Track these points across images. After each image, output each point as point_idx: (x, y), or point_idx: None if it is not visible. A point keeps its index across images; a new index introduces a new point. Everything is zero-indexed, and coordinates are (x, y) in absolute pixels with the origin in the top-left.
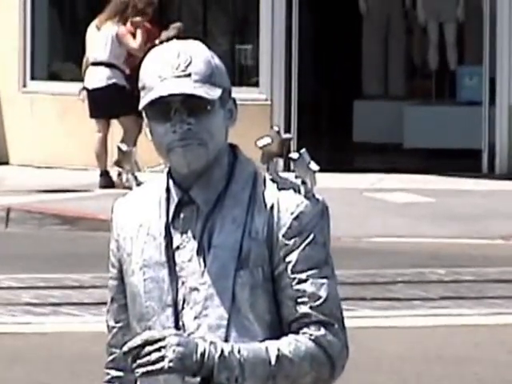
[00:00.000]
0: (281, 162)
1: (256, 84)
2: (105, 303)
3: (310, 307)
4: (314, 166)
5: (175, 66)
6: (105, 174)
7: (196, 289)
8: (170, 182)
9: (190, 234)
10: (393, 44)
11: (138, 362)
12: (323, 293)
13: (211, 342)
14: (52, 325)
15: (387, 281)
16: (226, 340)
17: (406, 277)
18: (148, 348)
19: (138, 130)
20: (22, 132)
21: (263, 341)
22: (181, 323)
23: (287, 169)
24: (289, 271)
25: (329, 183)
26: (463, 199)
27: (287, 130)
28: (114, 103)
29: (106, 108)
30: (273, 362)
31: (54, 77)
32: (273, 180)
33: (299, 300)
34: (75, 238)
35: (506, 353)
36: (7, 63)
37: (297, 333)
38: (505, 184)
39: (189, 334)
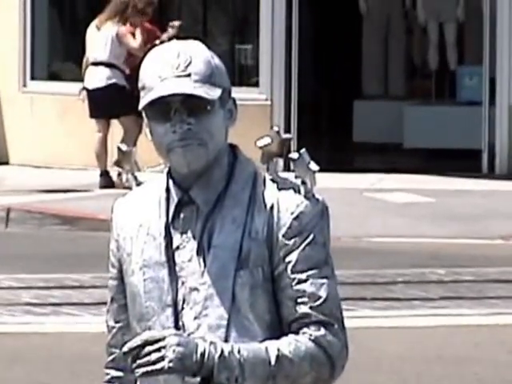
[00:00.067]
0: (281, 162)
1: (256, 84)
2: (105, 303)
3: (310, 307)
4: (313, 166)
5: (175, 66)
6: (105, 174)
7: (196, 289)
8: (170, 182)
9: (189, 234)
10: (393, 44)
11: (138, 362)
12: (323, 293)
13: (211, 342)
14: (52, 325)
15: (387, 281)
16: (226, 340)
17: (406, 277)
18: (148, 348)
19: (138, 130)
20: (22, 132)
21: (263, 341)
22: (181, 323)
23: (287, 169)
24: (289, 271)
25: (329, 183)
26: (463, 199)
27: (287, 130)
28: (113, 103)
29: (106, 108)
30: (273, 362)
31: (54, 77)
32: (273, 180)
33: (299, 300)
34: (75, 238)
35: (506, 353)
36: (7, 63)
37: (297, 333)
38: (505, 184)
39: (189, 334)
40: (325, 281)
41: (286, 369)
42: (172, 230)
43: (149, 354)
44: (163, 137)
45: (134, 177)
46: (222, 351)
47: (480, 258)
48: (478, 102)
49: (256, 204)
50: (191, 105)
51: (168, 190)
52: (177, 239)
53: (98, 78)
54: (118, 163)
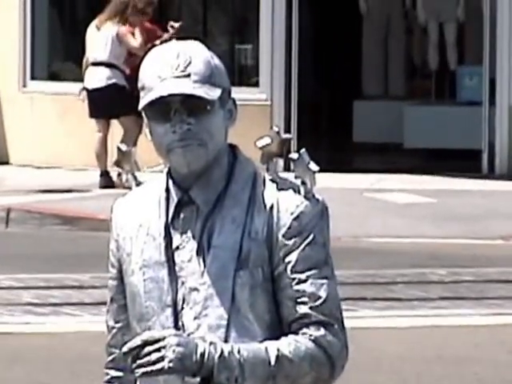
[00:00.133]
0: (281, 162)
1: (256, 84)
2: (105, 303)
3: (310, 307)
4: (313, 166)
5: (175, 66)
6: (105, 174)
7: (196, 289)
8: (170, 182)
9: (189, 234)
10: (393, 44)
11: (138, 362)
12: (323, 293)
13: (211, 343)
14: (52, 325)
15: (387, 281)
16: (226, 340)
17: (406, 277)
18: (148, 348)
19: (138, 130)
20: (22, 132)
21: (263, 341)
22: (180, 323)
23: (287, 169)
24: (288, 271)
25: (329, 183)
26: (463, 199)
27: (287, 130)
28: (113, 103)
29: (106, 108)
30: (272, 362)
31: (54, 77)
32: (272, 180)
33: (299, 300)
34: (75, 237)
35: (506, 353)
36: (7, 63)
37: (296, 333)
38: (505, 184)
39: (188, 334)
40: (325, 281)
41: (285, 369)
42: (172, 230)
43: (149, 354)
44: (163, 137)
45: (134, 177)
46: (222, 351)
47: (480, 258)
48: (478, 102)
49: (256, 204)
50: (191, 105)
51: (168, 190)
52: (177, 239)
53: (97, 78)
54: (117, 163)
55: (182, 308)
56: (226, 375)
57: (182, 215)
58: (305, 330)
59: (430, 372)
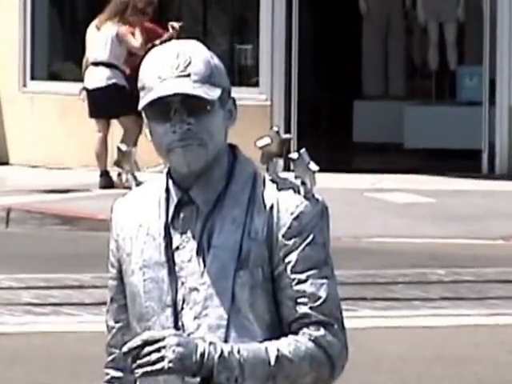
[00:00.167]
0: (280, 162)
1: (256, 84)
2: (105, 303)
3: (310, 307)
4: (313, 166)
5: (175, 66)
6: (105, 174)
7: (196, 289)
8: (170, 182)
9: (189, 234)
10: (393, 44)
11: (138, 362)
12: (323, 293)
13: (211, 343)
14: (52, 325)
15: (387, 281)
16: (226, 340)
17: (407, 277)
18: (148, 348)
19: (138, 130)
20: (22, 132)
21: (263, 341)
22: (180, 323)
23: (287, 169)
24: (288, 271)
25: (329, 183)
26: (463, 199)
27: (287, 131)
28: (113, 103)
29: (106, 108)
30: (272, 362)
31: (54, 77)
32: (272, 180)
33: (299, 300)
34: (75, 237)
35: (506, 353)
36: (7, 63)
37: (296, 333)
38: (505, 184)
39: (188, 335)
40: (325, 281)
41: (285, 369)
42: (172, 230)
43: (149, 354)
44: (163, 137)
45: (134, 177)
46: (222, 351)
47: (480, 259)
48: (478, 102)
49: (256, 204)
50: (191, 105)
51: (168, 190)
52: (176, 239)
53: (98, 78)
54: (117, 163)
55: (182, 308)
56: (225, 375)
57: (181, 215)
58: (305, 330)
59: (429, 372)
